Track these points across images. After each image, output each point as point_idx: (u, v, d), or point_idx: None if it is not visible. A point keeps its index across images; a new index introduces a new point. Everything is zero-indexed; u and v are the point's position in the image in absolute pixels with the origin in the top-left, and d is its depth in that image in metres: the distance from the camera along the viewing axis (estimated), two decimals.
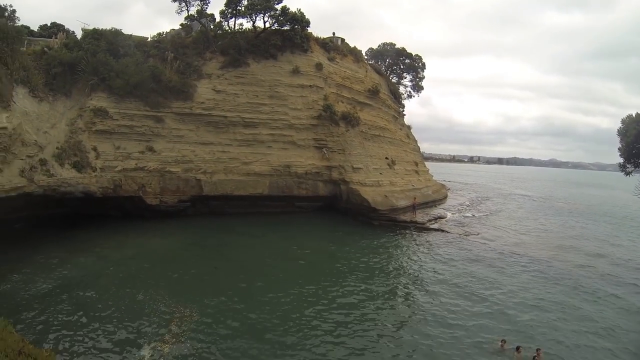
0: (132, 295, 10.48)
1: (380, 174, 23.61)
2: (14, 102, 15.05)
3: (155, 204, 18.59)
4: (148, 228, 17.51)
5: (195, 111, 19.21)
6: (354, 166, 21.91)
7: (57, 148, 16.63)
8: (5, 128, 13.88)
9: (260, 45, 21.29)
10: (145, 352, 7.79)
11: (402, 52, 35.52)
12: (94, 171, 17.30)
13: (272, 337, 8.58)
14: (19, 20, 21.40)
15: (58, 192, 15.92)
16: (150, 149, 18.43)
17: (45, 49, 18.71)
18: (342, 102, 23.07)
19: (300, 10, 22.44)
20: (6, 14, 20.10)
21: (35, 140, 15.90)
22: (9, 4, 21.15)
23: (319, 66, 22.09)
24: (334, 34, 25.62)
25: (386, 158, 25.38)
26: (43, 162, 15.77)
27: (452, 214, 24.86)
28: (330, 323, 9.38)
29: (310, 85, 21.37)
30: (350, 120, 22.80)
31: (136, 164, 18.06)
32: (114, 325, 8.74)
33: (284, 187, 20.53)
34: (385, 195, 22.08)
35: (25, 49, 18.85)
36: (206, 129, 19.44)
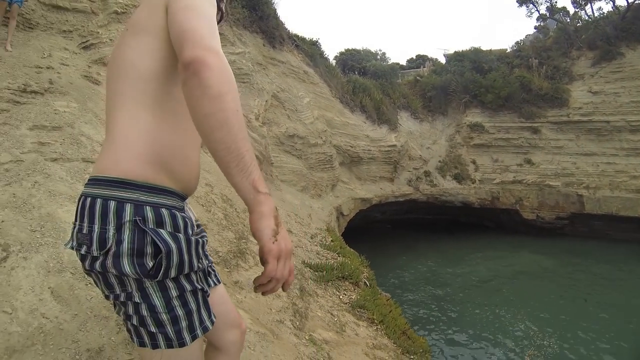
0: (493, 309, 13.04)
1: None
2: (400, 124, 22.21)
3: (531, 218, 22.93)
4: (521, 243, 21.62)
5: (573, 118, 22.72)
6: None
7: (439, 162, 24.30)
8: (394, 145, 20.77)
9: (629, 28, 23.28)
10: None
11: None
12: (472, 183, 24.79)
13: None
14: (390, 60, 32.96)
15: (439, 201, 22.07)
16: (528, 162, 24.76)
17: (417, 77, 27.13)
18: None
19: None
20: (378, 57, 31.51)
21: (420, 155, 24.14)
22: (378, 49, 32.97)
23: None
24: None
25: None
26: (427, 173, 23.37)
27: None
28: None
29: None
30: None
31: (514, 177, 24.58)
32: (470, 333, 11.27)
33: None
34: None
35: (400, 80, 27.85)
36: (587, 138, 22.61)
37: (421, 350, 5.11)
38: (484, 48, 26.54)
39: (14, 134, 4.00)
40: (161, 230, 1.10)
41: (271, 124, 14.07)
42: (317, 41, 23.02)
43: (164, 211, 1.13)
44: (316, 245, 7.01)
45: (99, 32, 6.93)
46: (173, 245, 1.10)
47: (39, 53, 5.91)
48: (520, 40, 27.11)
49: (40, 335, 2.10)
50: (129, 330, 1.21)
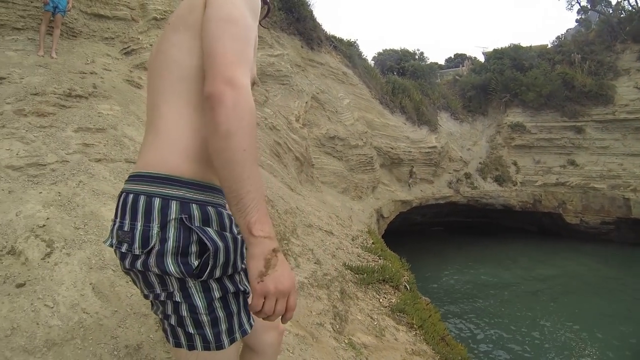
0: (533, 316, 12.73)
1: None
2: (440, 125, 21.60)
3: (574, 223, 21.74)
4: (564, 249, 20.67)
5: (619, 116, 21.40)
6: None
7: (479, 163, 23.18)
8: (435, 147, 20.12)
9: None
10: None
11: None
12: (514, 185, 23.83)
13: None
14: (428, 59, 32.66)
15: (480, 203, 21.38)
16: (572, 163, 23.66)
17: (456, 77, 26.58)
18: None
19: None
20: (416, 57, 31.26)
21: (461, 157, 23.27)
22: (416, 48, 32.69)
23: None
24: None
25: None
26: (467, 175, 21.95)
27: None
28: None
29: None
30: None
31: (557, 179, 23.47)
32: (510, 340, 11.10)
33: None
34: None
35: (439, 80, 27.31)
36: (634, 137, 21.21)
37: (459, 358, 4.97)
38: (523, 44, 25.59)
39: (60, 136, 4.11)
40: (208, 229, 1.06)
41: (312, 125, 14.05)
42: (355, 42, 22.81)
43: (210, 209, 1.09)
44: (357, 247, 6.97)
45: (139, 38, 7.11)
46: (220, 244, 1.06)
47: (83, 59, 6.10)
48: (561, 34, 25.97)
49: (80, 330, 2.09)
50: (165, 330, 1.15)
